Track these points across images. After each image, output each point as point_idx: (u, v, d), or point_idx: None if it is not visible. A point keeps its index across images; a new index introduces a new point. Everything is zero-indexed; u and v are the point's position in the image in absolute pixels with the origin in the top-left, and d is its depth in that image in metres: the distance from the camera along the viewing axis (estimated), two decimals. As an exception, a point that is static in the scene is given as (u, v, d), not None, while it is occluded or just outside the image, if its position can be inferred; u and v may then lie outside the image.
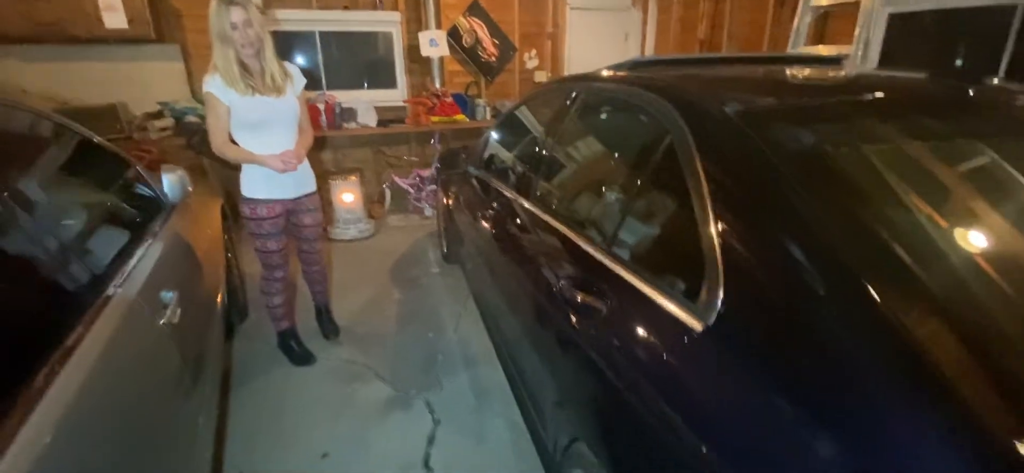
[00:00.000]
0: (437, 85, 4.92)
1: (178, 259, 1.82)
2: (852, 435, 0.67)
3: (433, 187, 4.65)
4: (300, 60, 4.86)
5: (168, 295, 1.45)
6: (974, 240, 0.87)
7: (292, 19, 4.65)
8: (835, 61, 1.87)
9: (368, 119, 4.69)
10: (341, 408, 2.39)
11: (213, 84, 2.09)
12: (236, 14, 2.04)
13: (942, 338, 0.68)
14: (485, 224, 2.18)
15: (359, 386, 2.56)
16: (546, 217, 1.66)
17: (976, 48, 3.21)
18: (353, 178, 4.41)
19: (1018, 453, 0.56)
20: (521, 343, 1.71)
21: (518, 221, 1.85)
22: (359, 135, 4.82)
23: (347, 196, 4.37)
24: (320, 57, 4.87)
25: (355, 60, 5.05)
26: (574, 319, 1.24)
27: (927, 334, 0.68)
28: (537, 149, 1.96)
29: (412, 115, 4.79)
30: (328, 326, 2.98)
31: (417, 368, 2.67)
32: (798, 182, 0.90)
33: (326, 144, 4.90)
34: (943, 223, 0.88)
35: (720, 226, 0.95)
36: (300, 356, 2.73)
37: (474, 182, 2.60)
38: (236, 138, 2.22)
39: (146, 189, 2.07)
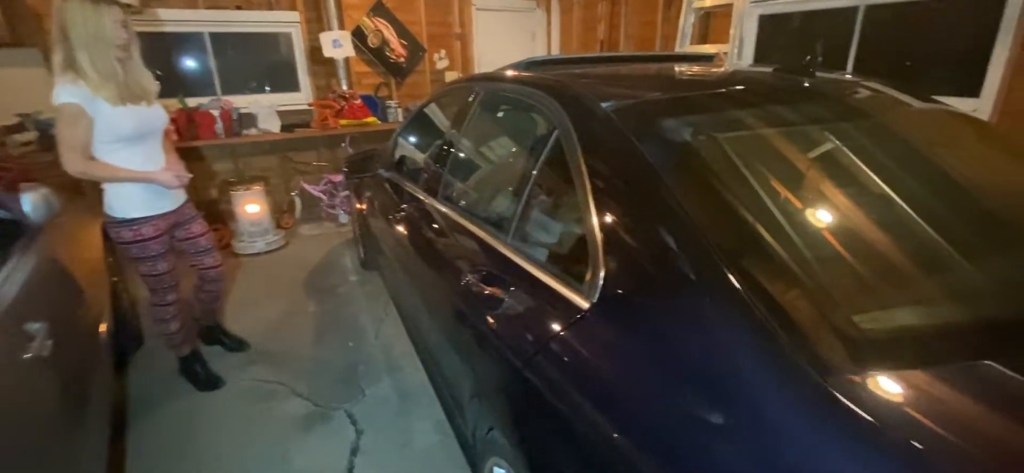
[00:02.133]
0: (344, 87, 4.77)
1: (47, 286, 1.64)
2: (717, 392, 0.77)
3: (347, 193, 4.51)
4: (189, 64, 4.50)
5: (35, 326, 1.31)
6: (819, 216, 1.03)
7: (176, 20, 4.29)
8: (710, 58, 2.08)
9: (270, 124, 4.44)
10: (256, 430, 2.28)
11: (75, 93, 1.83)
12: (115, 13, 1.85)
13: (791, 301, 0.81)
14: (397, 226, 2.17)
15: (275, 405, 2.45)
16: (452, 215, 1.70)
17: (831, 44, 3.70)
18: (257, 187, 4.17)
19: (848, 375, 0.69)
20: (437, 340, 1.73)
21: (427, 220, 1.88)
22: (262, 142, 4.56)
23: (251, 207, 4.12)
24: (212, 60, 4.54)
25: (252, 63, 4.76)
26: (481, 311, 1.29)
27: (778, 296, 0.80)
28: (442, 148, 1.99)
29: (318, 119, 4.61)
30: (230, 341, 2.83)
31: (337, 379, 2.60)
32: (665, 172, 1.01)
33: (225, 153, 4.58)
34: (793, 200, 1.03)
35: (600, 215, 1.05)
36: (206, 380, 2.56)
37: (386, 184, 2.58)
38: (100, 154, 1.98)
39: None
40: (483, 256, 1.42)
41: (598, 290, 0.99)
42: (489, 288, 1.28)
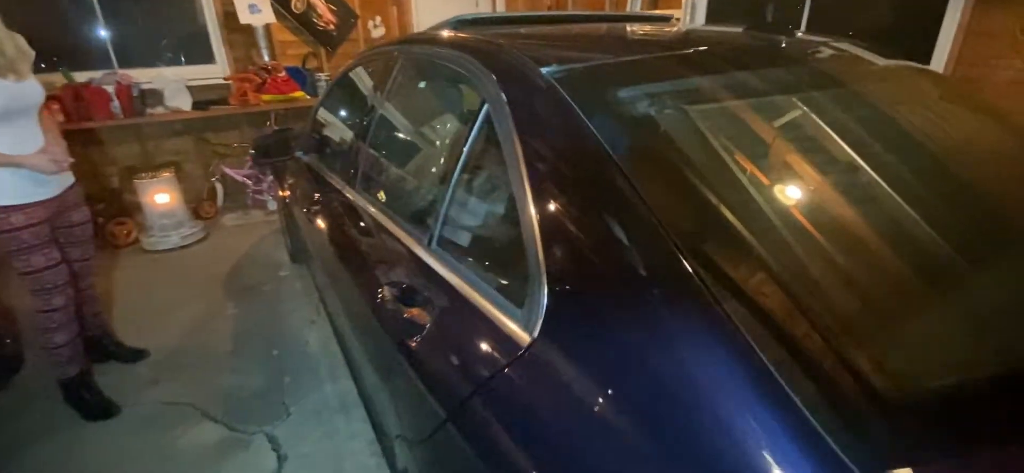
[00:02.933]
0: (266, 58, 4.26)
1: None
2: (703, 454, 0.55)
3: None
4: (75, 31, 3.86)
5: None
6: (796, 199, 0.81)
7: (54, -22, 3.65)
8: (665, 19, 1.84)
9: (180, 101, 3.90)
10: (156, 466, 1.93)
11: None
12: None
13: (790, 326, 0.58)
14: (315, 220, 1.85)
15: (181, 432, 2.10)
16: (369, 209, 1.40)
17: (785, 12, 3.57)
18: (166, 174, 3.66)
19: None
20: (360, 361, 1.45)
21: (343, 215, 1.56)
22: (172, 121, 4.02)
23: (161, 197, 3.62)
24: (103, 29, 3.91)
25: (155, 30, 4.15)
26: (400, 337, 1.02)
27: (770, 319, 0.58)
28: (358, 129, 1.67)
29: (237, 94, 4.09)
30: (124, 353, 2.45)
31: (257, 396, 2.27)
32: (625, 157, 0.76)
33: (128, 135, 4.00)
34: (795, 192, 0.81)
35: (541, 215, 0.79)
36: (96, 407, 2.17)
37: (305, 169, 2.22)
38: None
39: None
40: (403, 265, 1.14)
41: (540, 318, 0.74)
42: (408, 309, 1.00)
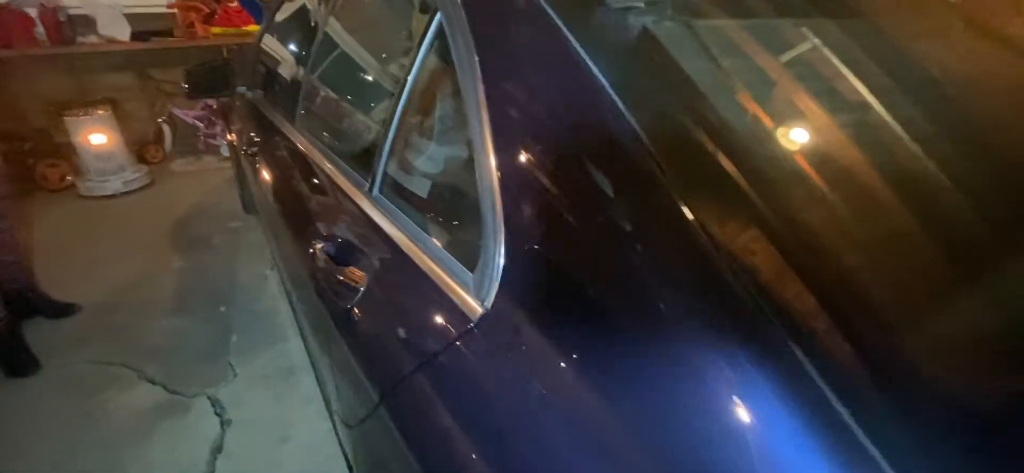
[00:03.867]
0: (215, -15, 3.84)
1: None
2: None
3: (228, 119, 3.73)
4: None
5: None
6: (820, 144, 0.65)
7: None
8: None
9: (116, 30, 3.50)
10: (83, 431, 1.75)
11: None
12: None
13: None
14: (259, 164, 1.62)
15: (114, 394, 1.91)
16: (311, 151, 1.19)
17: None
18: (102, 112, 3.30)
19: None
20: (302, 322, 1.27)
21: (286, 158, 1.35)
22: (109, 53, 3.61)
23: (96, 137, 3.27)
24: (23, -60, 3.43)
25: (85, -53, 3.67)
26: (333, 301, 0.84)
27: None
28: (300, 58, 1.43)
29: (183, 25, 3.70)
30: (47, 305, 2.21)
31: (201, 356, 2.08)
32: (618, 85, 0.57)
33: (59, 68, 3.58)
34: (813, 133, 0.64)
35: (501, 156, 0.61)
36: (14, 363, 1.95)
37: (250, 108, 1.96)
38: None
39: None
40: (340, 216, 0.95)
41: (494, 285, 0.58)
42: (341, 269, 0.82)
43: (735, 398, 0.40)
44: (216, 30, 3.73)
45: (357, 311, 0.77)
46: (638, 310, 0.47)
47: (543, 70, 0.65)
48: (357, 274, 0.80)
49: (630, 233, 0.50)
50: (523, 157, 0.60)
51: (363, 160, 0.96)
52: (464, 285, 0.63)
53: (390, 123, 0.86)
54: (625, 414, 0.45)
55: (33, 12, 3.22)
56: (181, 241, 2.93)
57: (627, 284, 0.49)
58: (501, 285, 0.57)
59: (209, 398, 1.89)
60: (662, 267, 0.48)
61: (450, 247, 0.69)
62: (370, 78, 1.16)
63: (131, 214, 3.22)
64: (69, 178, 3.45)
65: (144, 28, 3.65)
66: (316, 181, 1.10)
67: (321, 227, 1.00)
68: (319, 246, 0.89)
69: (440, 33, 0.76)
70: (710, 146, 0.55)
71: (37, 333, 2.14)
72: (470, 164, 0.66)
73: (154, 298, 2.43)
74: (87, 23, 3.48)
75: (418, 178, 0.84)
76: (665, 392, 0.44)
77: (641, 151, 0.52)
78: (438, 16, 0.76)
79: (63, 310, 2.26)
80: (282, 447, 1.71)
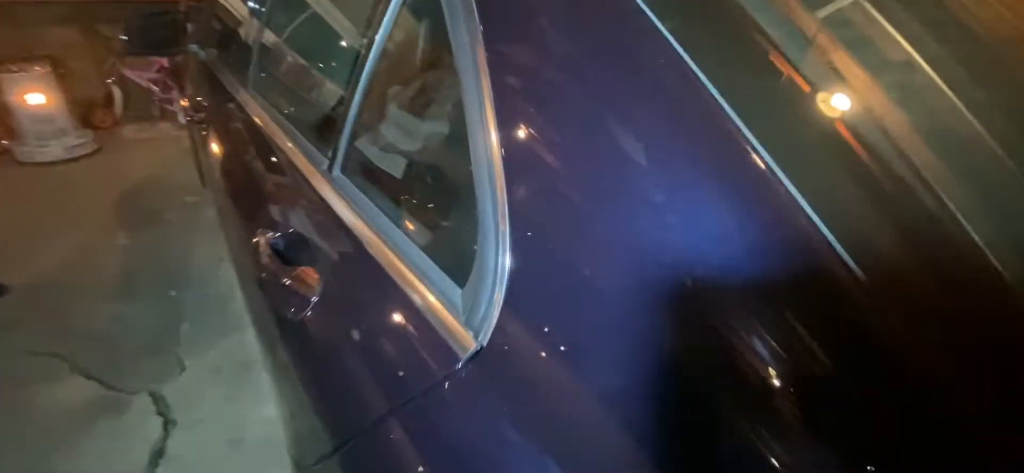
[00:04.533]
0: (174, -66, 3.49)
1: None
2: None
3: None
4: None
5: None
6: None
7: None
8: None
9: (58, -21, 3.14)
10: (5, 429, 1.54)
11: None
12: None
13: None
14: (209, 134, 1.41)
15: (42, 388, 1.69)
16: (264, 118, 0.99)
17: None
18: (40, 68, 2.98)
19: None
20: (254, 322, 1.09)
21: (238, 127, 1.15)
22: (49, 3, 3.25)
23: (33, 96, 2.95)
24: None
25: None
26: (279, 308, 0.67)
27: None
28: (257, 9, 1.22)
29: (136, -23, 3.35)
30: None
31: (145, 348, 1.87)
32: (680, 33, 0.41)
33: (-8, 17, 3.21)
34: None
35: (507, 127, 0.44)
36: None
37: (203, 68, 1.73)
38: None
39: None
40: (293, 199, 0.77)
41: (494, 312, 0.42)
42: (289, 269, 0.65)
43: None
44: (174, -16, 3.39)
45: (308, 325, 0.60)
46: (711, 364, 0.32)
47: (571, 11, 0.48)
48: (310, 277, 0.63)
49: (697, 250, 0.34)
50: (539, 133, 0.43)
51: (323, 130, 0.77)
52: (450, 306, 0.46)
53: (356, 82, 0.67)
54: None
55: (-42, -48, 2.85)
56: (129, 215, 2.66)
57: (691, 324, 0.33)
58: (503, 312, 0.41)
59: (152, 395, 1.69)
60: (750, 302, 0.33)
61: (433, 251, 0.52)
62: (335, 26, 0.97)
63: (73, 184, 2.92)
64: (4, 142, 3.12)
65: (92, -22, 3.30)
66: (269, 156, 0.91)
67: (270, 213, 0.82)
68: (265, 238, 0.71)
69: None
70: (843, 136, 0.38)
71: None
72: (459, 138, 0.49)
73: (96, 279, 2.19)
74: (25, -32, 3.12)
75: (391, 155, 0.66)
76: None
77: (728, 134, 0.36)
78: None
79: (-13, 287, 2.01)
80: (233, 452, 1.53)
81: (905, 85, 0.48)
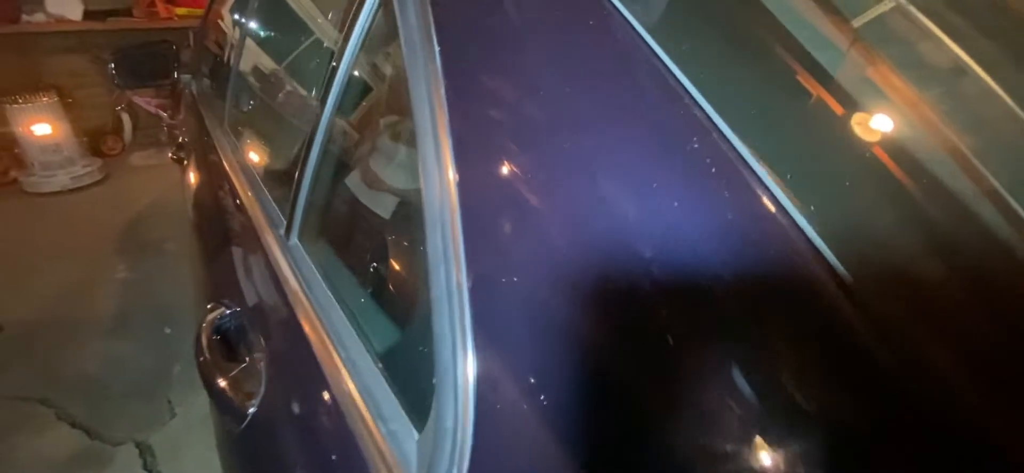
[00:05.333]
0: (180, -39, 3.49)
1: None
2: None
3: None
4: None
5: None
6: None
7: None
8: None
9: (66, 9, 3.15)
10: (-19, 488, 1.45)
11: None
12: None
13: None
14: (186, 174, 1.32)
15: (25, 439, 1.61)
16: (233, 166, 0.88)
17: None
18: (46, 98, 2.96)
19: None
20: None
21: (206, 171, 1.04)
22: (58, 32, 3.25)
23: (41, 127, 2.93)
24: (-41, -97, 3.06)
25: (34, -85, 3.31)
26: (218, 407, 0.54)
27: None
28: (236, 41, 1.11)
29: (143, 5, 3.35)
30: None
31: (135, 391, 1.78)
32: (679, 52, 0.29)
33: (3, 47, 3.21)
34: None
35: (467, 188, 0.32)
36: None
37: (190, 100, 1.65)
38: None
39: None
40: (247, 267, 0.65)
41: (467, 436, 0.29)
42: (226, 366, 0.52)
43: None
44: (181, 10, 3.38)
45: (244, 446, 0.48)
46: None
47: (540, 34, 0.36)
48: (244, 378, 0.50)
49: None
50: (512, 190, 0.31)
51: (283, 187, 0.66)
52: (401, 460, 0.33)
53: (313, 134, 0.56)
54: None
55: (-30, -15, 2.86)
56: (129, 246, 2.60)
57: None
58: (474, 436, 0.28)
59: (137, 445, 1.59)
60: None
61: (387, 364, 0.40)
62: (300, 68, 0.86)
63: (77, 214, 2.88)
64: (12, 173, 3.10)
65: (99, 7, 3.30)
66: (232, 208, 0.80)
67: (226, 276, 0.70)
68: (209, 316, 0.59)
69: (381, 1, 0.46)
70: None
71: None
72: (414, 206, 0.37)
73: (90, 315, 2.12)
74: (35, 1, 3.13)
75: (350, 225, 0.54)
76: None
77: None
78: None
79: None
80: (218, 512, 1.41)
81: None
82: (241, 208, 0.75)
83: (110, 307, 2.17)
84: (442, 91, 0.37)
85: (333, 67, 0.55)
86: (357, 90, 0.56)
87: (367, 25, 0.51)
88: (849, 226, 0.27)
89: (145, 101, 3.56)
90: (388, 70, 0.54)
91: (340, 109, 0.54)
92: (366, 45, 0.52)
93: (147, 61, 1.61)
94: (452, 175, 0.34)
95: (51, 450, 1.57)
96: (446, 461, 0.31)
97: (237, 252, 0.70)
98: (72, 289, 2.27)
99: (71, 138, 3.09)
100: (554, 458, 0.27)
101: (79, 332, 2.02)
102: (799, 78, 0.32)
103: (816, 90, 0.32)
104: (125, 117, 3.58)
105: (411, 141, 0.42)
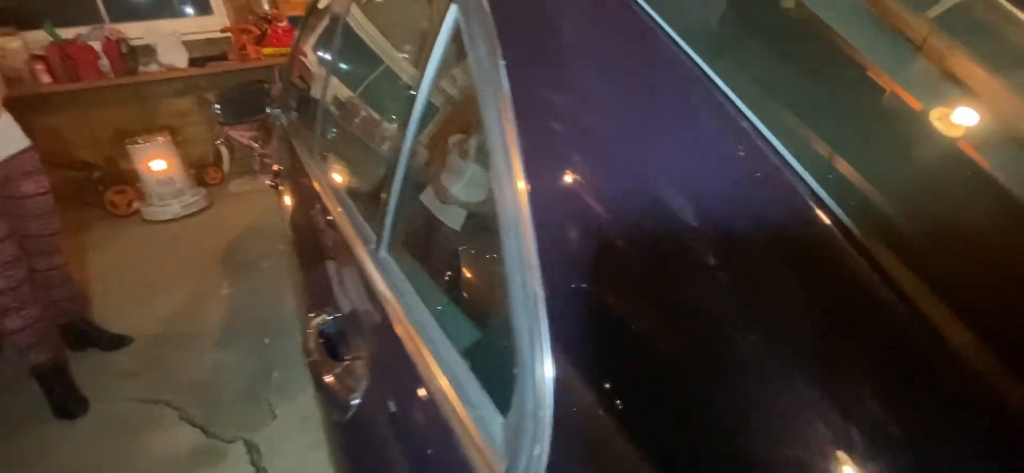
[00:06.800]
0: (265, 6, 3.85)
1: None
2: None
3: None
4: (61, -17, 3.54)
5: None
6: None
7: (31, -79, 3.31)
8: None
9: (175, 58, 3.57)
10: (118, 478, 1.68)
11: None
12: None
13: None
14: (282, 200, 1.47)
15: (153, 437, 1.84)
16: (325, 189, 0.99)
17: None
18: (161, 138, 3.37)
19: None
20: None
21: (301, 195, 1.17)
22: (168, 80, 3.70)
23: (156, 163, 3.34)
24: (91, -23, 3.58)
25: (147, -21, 3.80)
26: (324, 405, 0.62)
27: None
28: (321, 77, 1.24)
29: (236, 48, 3.73)
30: (102, 337, 2.20)
31: (241, 395, 1.98)
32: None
33: (124, 97, 3.71)
34: None
35: (540, 203, 0.36)
36: (61, 403, 1.93)
37: (281, 132, 1.83)
38: None
39: None
40: (343, 280, 0.74)
41: (542, 456, 0.33)
42: (331, 364, 0.60)
43: None
44: (267, 51, 3.73)
45: (350, 434, 0.55)
46: None
47: (604, 73, 0.39)
48: (354, 375, 0.58)
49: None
50: (576, 204, 0.34)
51: (372, 205, 0.74)
52: (488, 440, 0.38)
53: (398, 155, 0.63)
54: None
55: (98, 45, 3.33)
56: (231, 265, 2.90)
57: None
58: (552, 450, 0.32)
59: (246, 443, 1.77)
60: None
61: (475, 361, 0.45)
62: (385, 94, 0.95)
63: (187, 238, 3.25)
64: (135, 204, 3.56)
65: (201, 54, 3.71)
66: (326, 227, 0.90)
67: (325, 288, 0.79)
68: (314, 321, 0.68)
69: (455, 35, 0.53)
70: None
71: (91, 366, 2.13)
72: (489, 219, 0.41)
73: (202, 327, 2.39)
74: (148, 52, 3.58)
75: (434, 237, 0.61)
76: None
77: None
78: (452, 10, 0.53)
79: (116, 342, 2.25)
80: (316, 505, 1.55)
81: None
82: (333, 226, 0.84)
83: (217, 320, 2.43)
84: (510, 111, 0.41)
85: (412, 95, 0.62)
86: (434, 114, 0.63)
87: (442, 55, 0.57)
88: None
89: (239, 134, 3.94)
90: (457, 94, 0.60)
91: (421, 132, 0.61)
92: (441, 73, 0.58)
93: (244, 99, 1.81)
94: (522, 186, 0.38)
95: (177, 446, 1.78)
96: (530, 438, 0.35)
97: (332, 265, 0.80)
98: (186, 305, 2.56)
99: (181, 171, 3.48)
100: (624, 445, 0.31)
101: (193, 342, 2.28)
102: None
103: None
104: (224, 150, 3.98)
105: (479, 146, 0.47)
